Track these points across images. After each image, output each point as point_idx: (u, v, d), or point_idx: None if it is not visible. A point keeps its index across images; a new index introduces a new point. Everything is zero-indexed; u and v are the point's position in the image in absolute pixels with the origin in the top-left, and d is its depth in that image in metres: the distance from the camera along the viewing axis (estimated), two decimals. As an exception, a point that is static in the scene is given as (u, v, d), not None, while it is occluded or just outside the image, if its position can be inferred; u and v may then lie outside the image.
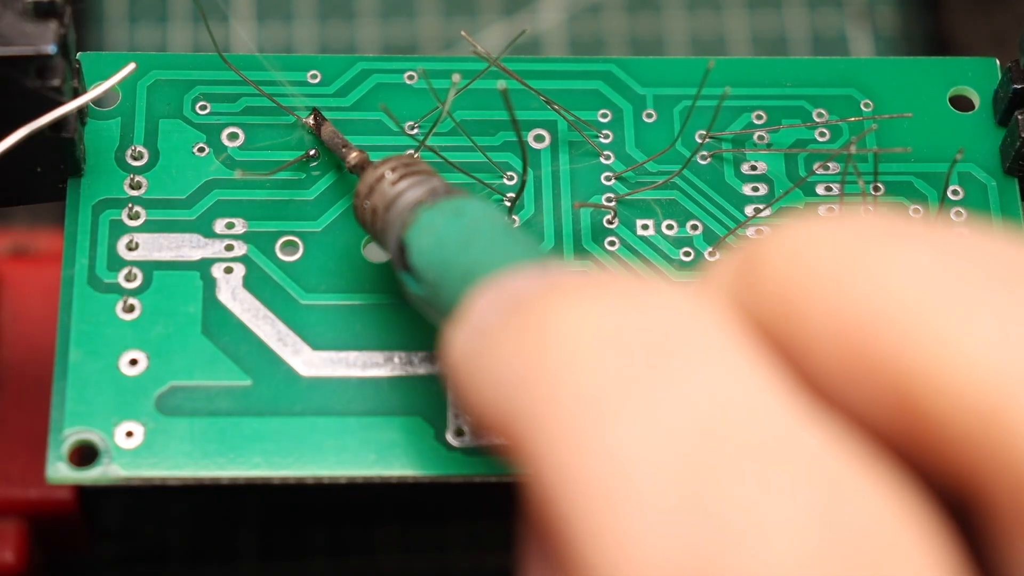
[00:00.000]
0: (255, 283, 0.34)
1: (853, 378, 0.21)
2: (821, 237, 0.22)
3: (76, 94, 0.33)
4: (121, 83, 0.35)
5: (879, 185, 0.35)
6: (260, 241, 0.34)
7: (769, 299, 0.22)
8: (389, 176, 0.31)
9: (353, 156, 0.33)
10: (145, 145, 0.35)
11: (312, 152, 0.35)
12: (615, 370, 0.21)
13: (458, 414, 0.32)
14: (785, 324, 0.22)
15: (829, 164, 0.36)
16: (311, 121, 0.35)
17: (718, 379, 0.21)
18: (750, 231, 0.35)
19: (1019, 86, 0.35)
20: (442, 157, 0.35)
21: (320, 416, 0.32)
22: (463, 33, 0.37)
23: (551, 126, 0.36)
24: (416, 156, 0.33)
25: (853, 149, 0.35)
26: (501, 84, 0.31)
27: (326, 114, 0.35)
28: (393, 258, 0.30)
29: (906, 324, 0.21)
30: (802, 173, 0.36)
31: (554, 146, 0.36)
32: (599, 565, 0.20)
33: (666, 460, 0.21)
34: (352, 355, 0.33)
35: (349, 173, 0.34)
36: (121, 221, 0.34)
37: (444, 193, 0.30)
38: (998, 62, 0.37)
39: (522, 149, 0.33)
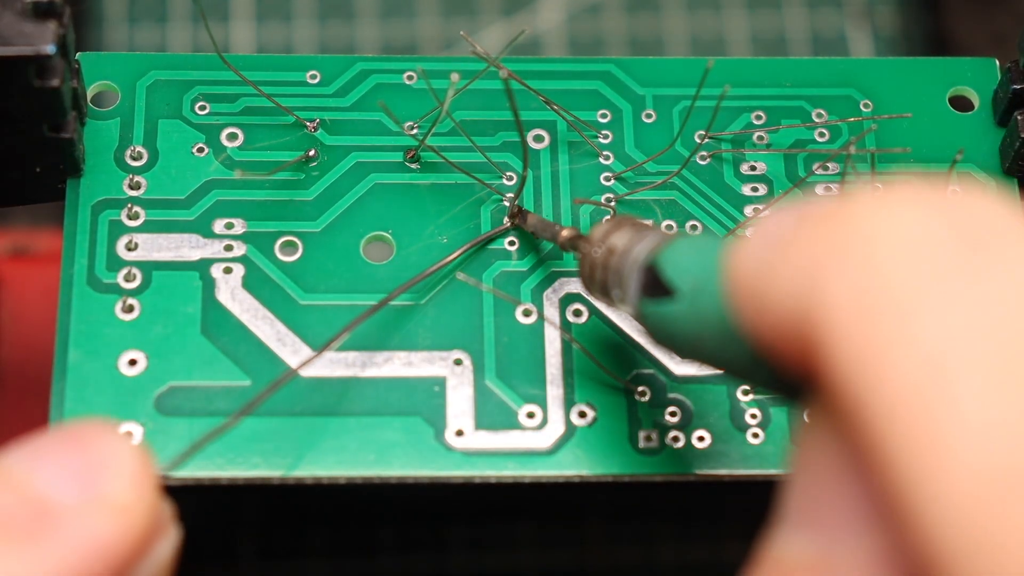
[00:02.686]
0: (254, 283, 0.34)
1: None
2: None
3: (75, 94, 0.33)
4: (120, 83, 0.35)
5: (878, 186, 0.35)
6: (259, 241, 0.34)
7: None
8: (627, 224, 0.31)
9: (566, 232, 0.33)
10: (144, 145, 0.35)
11: (311, 152, 0.35)
12: (925, 261, 0.21)
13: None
14: None
15: (828, 164, 0.36)
16: (514, 217, 0.34)
17: None
18: (750, 232, 0.35)
19: (1018, 86, 0.35)
20: (442, 157, 0.35)
21: (319, 416, 0.32)
22: (462, 33, 0.37)
23: (550, 126, 0.36)
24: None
25: (852, 149, 0.35)
26: (504, 73, 0.30)
27: (324, 115, 0.35)
28: (633, 291, 0.30)
29: None
30: (801, 173, 0.36)
31: (553, 146, 0.36)
32: (914, 471, 0.20)
33: (982, 356, 0.20)
34: (352, 355, 0.33)
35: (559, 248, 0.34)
36: (120, 221, 0.34)
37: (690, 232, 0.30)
38: (998, 62, 0.37)
39: (523, 147, 0.33)
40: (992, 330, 0.20)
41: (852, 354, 0.21)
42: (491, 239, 0.34)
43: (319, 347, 0.33)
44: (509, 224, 0.34)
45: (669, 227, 0.35)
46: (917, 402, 0.20)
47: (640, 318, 0.29)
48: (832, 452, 0.23)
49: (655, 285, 0.29)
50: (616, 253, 0.30)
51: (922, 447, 0.20)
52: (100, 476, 0.25)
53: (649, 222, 0.31)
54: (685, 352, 0.29)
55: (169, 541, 0.26)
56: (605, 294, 0.31)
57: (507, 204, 0.35)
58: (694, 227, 0.35)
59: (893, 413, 0.20)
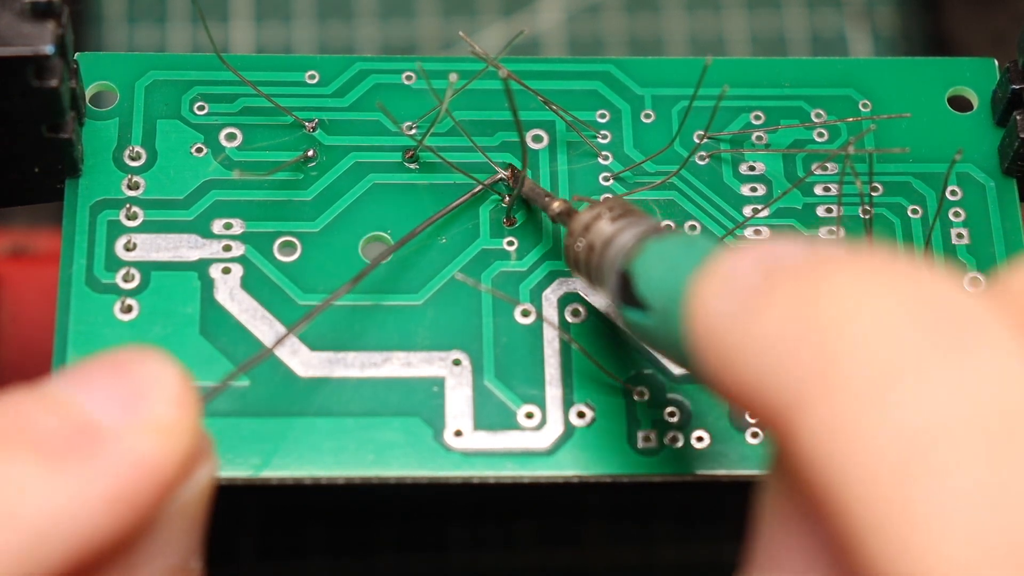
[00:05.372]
0: (253, 283, 0.34)
1: None
2: None
3: (74, 95, 0.33)
4: (119, 83, 0.35)
5: (877, 185, 0.35)
6: (258, 241, 0.34)
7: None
8: (607, 215, 0.31)
9: (557, 204, 0.33)
10: (143, 145, 0.35)
11: (310, 152, 0.35)
12: (906, 342, 0.21)
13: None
14: None
15: (827, 164, 0.36)
16: (509, 175, 0.35)
17: (1011, 359, 0.20)
18: (748, 232, 0.35)
19: (1017, 86, 0.35)
20: (441, 157, 0.35)
21: (318, 417, 0.32)
22: (461, 34, 0.37)
23: (549, 126, 0.36)
24: (627, 199, 0.33)
25: (851, 149, 0.35)
26: (503, 73, 0.30)
27: (323, 115, 0.35)
28: (611, 293, 0.30)
29: None
30: (800, 173, 0.36)
31: (552, 146, 0.36)
32: (896, 548, 0.19)
33: (966, 432, 0.20)
34: (350, 355, 0.33)
35: (551, 220, 0.34)
36: (119, 221, 0.34)
37: (667, 229, 0.30)
38: (997, 62, 0.37)
39: (522, 147, 0.33)
40: (975, 407, 0.20)
41: (822, 429, 0.21)
42: (474, 195, 0.35)
43: (317, 347, 0.33)
44: (507, 180, 0.35)
45: (668, 227, 0.35)
46: (897, 477, 0.20)
47: (621, 320, 0.29)
48: (792, 503, 0.23)
49: (629, 294, 0.28)
50: (595, 251, 0.30)
51: (904, 523, 0.19)
52: (143, 398, 0.25)
53: (633, 207, 0.31)
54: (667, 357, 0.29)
55: (209, 467, 0.26)
56: (591, 284, 0.31)
57: (505, 205, 0.35)
58: (693, 227, 0.35)
59: (868, 488, 0.20)
